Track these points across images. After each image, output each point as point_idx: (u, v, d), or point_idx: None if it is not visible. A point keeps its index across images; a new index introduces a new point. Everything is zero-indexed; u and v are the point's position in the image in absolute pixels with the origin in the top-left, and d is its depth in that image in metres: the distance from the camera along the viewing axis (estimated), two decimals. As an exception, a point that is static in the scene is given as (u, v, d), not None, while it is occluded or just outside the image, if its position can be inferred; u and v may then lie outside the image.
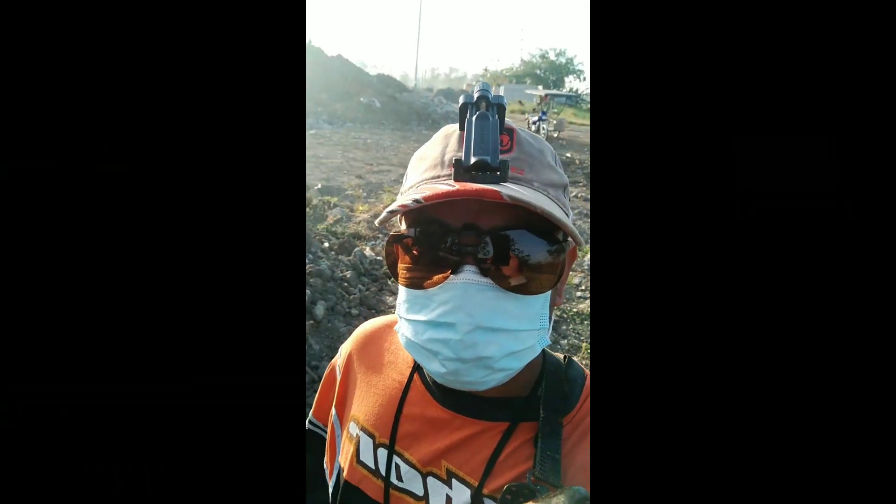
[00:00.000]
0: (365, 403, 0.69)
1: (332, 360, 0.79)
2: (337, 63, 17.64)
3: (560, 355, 0.67)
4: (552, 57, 44.39)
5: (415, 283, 0.55)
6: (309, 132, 10.70)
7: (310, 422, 0.80)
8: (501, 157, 0.52)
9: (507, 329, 0.52)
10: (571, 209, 0.61)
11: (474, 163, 0.50)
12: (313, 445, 0.79)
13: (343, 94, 15.30)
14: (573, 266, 0.61)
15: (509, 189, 0.48)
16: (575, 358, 0.67)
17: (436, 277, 0.53)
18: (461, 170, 0.51)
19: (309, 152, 7.78)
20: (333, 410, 0.75)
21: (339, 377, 0.75)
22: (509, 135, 0.56)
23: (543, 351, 0.63)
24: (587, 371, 0.65)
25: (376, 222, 0.55)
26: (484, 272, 0.51)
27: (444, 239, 0.52)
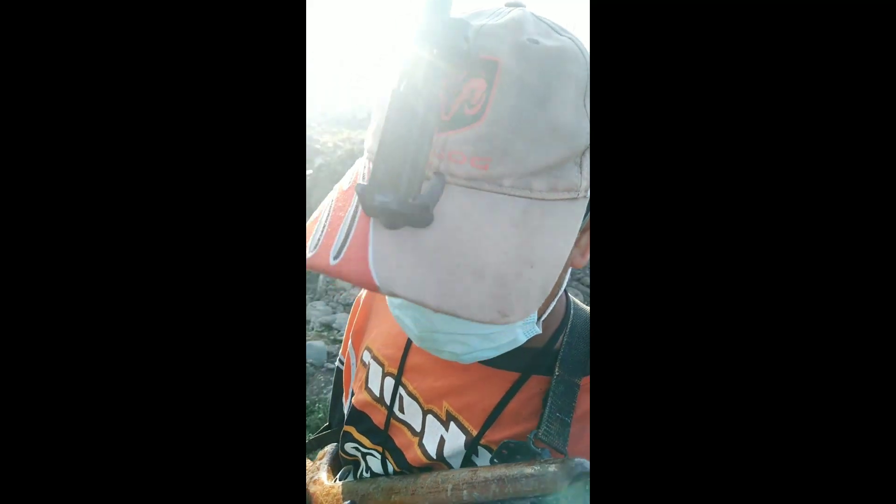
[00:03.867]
0: (380, 332, 0.68)
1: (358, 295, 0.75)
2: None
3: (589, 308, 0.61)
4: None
5: None
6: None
7: (339, 360, 0.78)
8: (458, 134, 0.36)
9: (468, 333, 0.47)
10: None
11: (372, 206, 0.34)
12: (337, 380, 0.78)
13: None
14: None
15: (403, 261, 0.35)
16: None
17: None
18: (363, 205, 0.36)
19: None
20: (351, 340, 0.74)
21: (359, 308, 0.73)
22: (488, 78, 0.36)
23: (571, 301, 0.60)
24: None
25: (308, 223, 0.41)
26: None
27: None
